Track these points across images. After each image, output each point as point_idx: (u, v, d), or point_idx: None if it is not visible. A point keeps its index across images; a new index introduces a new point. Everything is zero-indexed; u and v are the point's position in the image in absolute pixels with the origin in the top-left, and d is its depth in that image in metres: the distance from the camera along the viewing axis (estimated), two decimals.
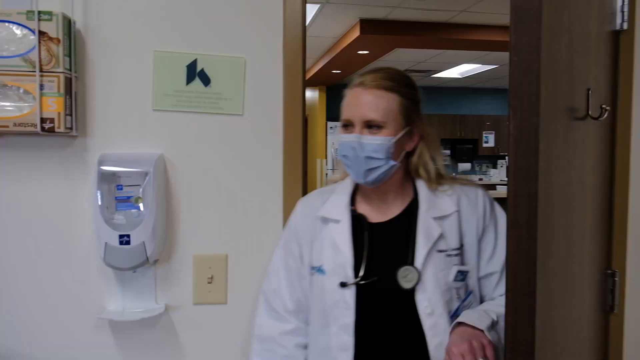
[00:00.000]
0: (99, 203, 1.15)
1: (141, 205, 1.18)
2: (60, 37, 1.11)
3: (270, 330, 1.17)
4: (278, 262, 1.20)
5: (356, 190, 1.18)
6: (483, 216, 1.14)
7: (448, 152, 9.25)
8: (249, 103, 1.28)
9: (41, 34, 1.10)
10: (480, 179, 8.48)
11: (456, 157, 9.15)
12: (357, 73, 1.15)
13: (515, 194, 1.01)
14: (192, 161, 1.26)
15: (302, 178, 1.31)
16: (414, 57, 6.41)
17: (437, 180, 1.15)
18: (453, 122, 9.06)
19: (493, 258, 1.14)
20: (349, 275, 1.09)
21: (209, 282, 1.28)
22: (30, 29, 1.10)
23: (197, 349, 1.29)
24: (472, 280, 1.14)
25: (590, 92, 1.23)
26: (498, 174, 8.90)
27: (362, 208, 1.16)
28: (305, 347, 1.17)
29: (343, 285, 1.09)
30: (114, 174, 1.18)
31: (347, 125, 1.11)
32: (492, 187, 7.55)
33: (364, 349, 1.09)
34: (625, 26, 1.47)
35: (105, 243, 1.14)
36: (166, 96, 1.24)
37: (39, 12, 1.10)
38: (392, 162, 1.09)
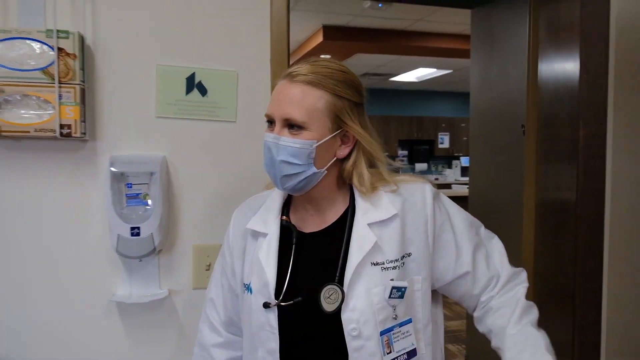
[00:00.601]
0: (111, 199, 1.30)
1: (149, 201, 1.33)
2: (77, 53, 1.26)
3: (205, 339, 1.16)
4: (215, 274, 1.17)
5: (291, 197, 1.08)
6: (432, 216, 1.02)
7: (405, 152, 9.60)
8: (241, 111, 1.45)
9: (59, 50, 1.24)
10: (437, 179, 8.86)
11: (413, 158, 9.51)
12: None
13: (584, 193, 1.19)
14: (191, 162, 1.42)
15: None
16: (373, 62, 6.68)
17: (378, 183, 1.03)
18: (410, 123, 9.42)
19: (460, 257, 1.04)
20: (271, 295, 0.98)
21: (206, 269, 1.44)
22: (49, 46, 1.24)
23: (196, 329, 1.44)
24: (416, 296, 1.01)
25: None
26: (453, 174, 9.31)
27: (296, 216, 1.06)
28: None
29: (266, 306, 0.98)
30: (122, 173, 1.33)
31: (270, 122, 1.00)
32: (447, 186, 7.93)
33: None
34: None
35: (118, 235, 1.29)
36: (168, 105, 1.40)
37: (58, 31, 1.24)
38: (313, 169, 0.97)
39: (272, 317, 0.97)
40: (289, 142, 0.95)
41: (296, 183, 0.97)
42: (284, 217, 1.04)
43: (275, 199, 1.07)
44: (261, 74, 1.46)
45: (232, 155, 1.45)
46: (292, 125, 0.95)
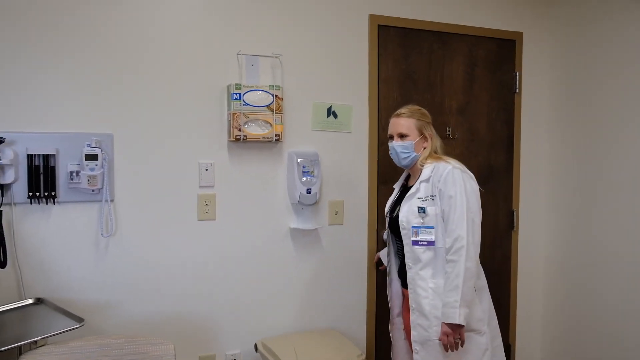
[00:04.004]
0: (296, 173, 2.45)
1: (314, 175, 2.49)
2: (282, 97, 2.41)
3: None
4: None
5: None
6: (438, 181, 1.95)
7: None
8: (354, 126, 2.64)
9: (275, 96, 2.39)
10: None
11: None
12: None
13: None
14: (329, 154, 2.59)
15: (376, 163, 2.70)
16: None
17: (431, 161, 2.00)
18: None
19: (442, 206, 1.94)
20: (387, 213, 2.21)
21: (335, 214, 2.63)
22: (270, 93, 2.38)
23: (328, 248, 2.63)
24: (439, 217, 1.94)
25: (448, 127, 2.72)
26: None
27: (409, 180, 2.18)
28: None
29: (387, 216, 2.22)
30: (299, 160, 2.48)
31: (392, 137, 2.08)
32: None
33: (396, 249, 2.16)
34: (517, 90, 3.06)
35: (300, 193, 2.45)
36: (317, 123, 2.57)
37: (274, 86, 2.39)
38: (414, 153, 2.03)
39: (387, 223, 2.21)
40: (402, 143, 2.05)
41: (408, 162, 2.07)
42: (404, 182, 2.22)
43: (404, 174, 2.24)
44: (363, 106, 2.66)
45: (349, 150, 2.64)
46: (401, 136, 2.06)
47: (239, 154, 2.44)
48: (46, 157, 2.11)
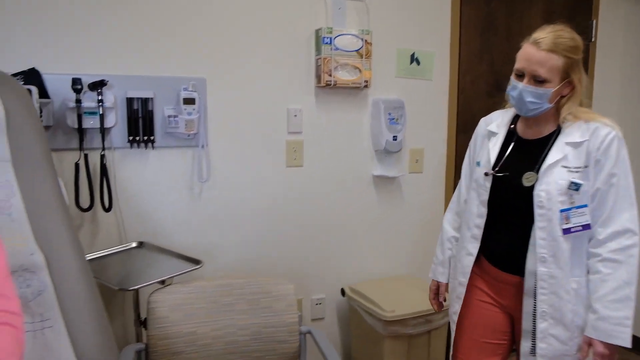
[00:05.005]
0: (384, 121, 2.43)
1: (399, 122, 2.48)
2: (372, 42, 2.37)
3: (447, 214, 1.83)
4: (464, 165, 1.75)
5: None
6: (597, 149, 1.41)
7: None
8: (435, 74, 2.61)
9: (365, 40, 2.34)
10: None
11: None
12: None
13: None
14: (410, 102, 2.56)
15: (456, 111, 2.68)
16: None
17: (582, 116, 1.43)
18: None
19: (597, 184, 1.42)
20: (490, 168, 1.54)
21: (416, 162, 2.63)
22: (360, 38, 2.34)
23: (408, 196, 2.64)
24: (586, 196, 1.41)
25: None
26: None
27: (520, 127, 1.55)
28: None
29: (486, 174, 1.55)
30: (385, 107, 2.46)
31: (520, 75, 1.43)
32: None
33: (491, 218, 1.55)
34: (593, 39, 3.01)
35: (386, 140, 2.44)
36: (401, 70, 2.53)
37: (364, 30, 2.34)
38: (547, 105, 1.42)
39: (488, 180, 1.55)
40: (535, 90, 1.41)
41: (534, 113, 1.46)
42: (512, 126, 1.59)
43: (509, 114, 1.61)
44: (444, 53, 2.62)
45: (429, 98, 2.62)
46: (537, 80, 1.41)
47: (326, 100, 2.41)
48: (144, 101, 2.09)
